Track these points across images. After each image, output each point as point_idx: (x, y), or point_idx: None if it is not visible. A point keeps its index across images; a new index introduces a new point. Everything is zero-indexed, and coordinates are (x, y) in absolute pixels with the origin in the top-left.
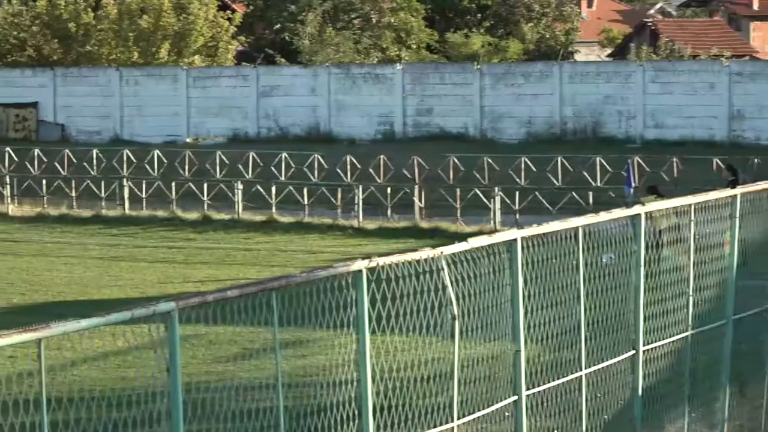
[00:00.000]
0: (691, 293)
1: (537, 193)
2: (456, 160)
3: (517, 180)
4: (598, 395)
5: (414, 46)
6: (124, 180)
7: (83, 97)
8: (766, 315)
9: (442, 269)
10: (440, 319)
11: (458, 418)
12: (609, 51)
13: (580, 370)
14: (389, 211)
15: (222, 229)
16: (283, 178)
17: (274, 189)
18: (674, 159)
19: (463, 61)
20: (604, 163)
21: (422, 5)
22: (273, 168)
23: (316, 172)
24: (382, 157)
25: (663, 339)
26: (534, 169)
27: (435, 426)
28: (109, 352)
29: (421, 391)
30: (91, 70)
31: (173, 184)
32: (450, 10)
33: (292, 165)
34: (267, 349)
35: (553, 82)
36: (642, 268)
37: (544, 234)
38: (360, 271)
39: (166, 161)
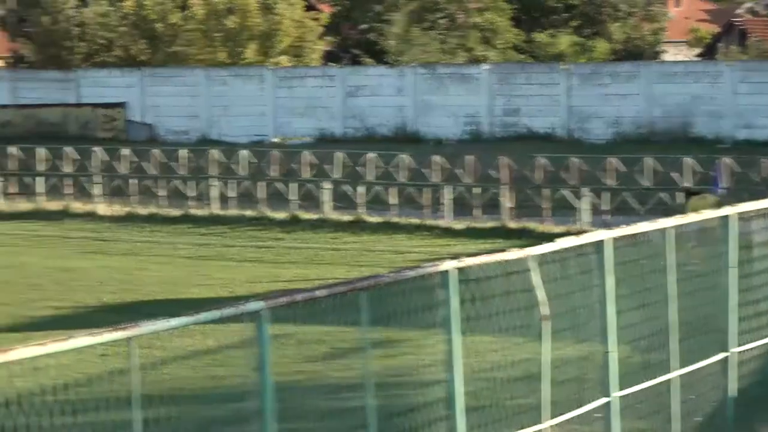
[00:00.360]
0: None
1: (625, 193)
2: (544, 160)
3: (605, 181)
4: (690, 397)
5: (500, 46)
6: (213, 180)
7: (171, 97)
8: None
9: (531, 270)
10: (529, 320)
11: (548, 419)
12: (697, 51)
13: (671, 371)
14: (477, 211)
15: (310, 228)
16: (370, 178)
17: (362, 189)
18: (764, 159)
19: (550, 61)
20: (694, 164)
21: (508, 5)
22: (359, 168)
23: (403, 172)
24: (469, 157)
25: (756, 341)
26: (622, 170)
27: (525, 426)
28: (199, 351)
29: (510, 392)
30: (179, 70)
31: (261, 184)
32: (536, 9)
33: (379, 165)
34: (356, 349)
35: (641, 82)
36: (734, 269)
37: (632, 235)
38: (448, 271)
39: (255, 160)
